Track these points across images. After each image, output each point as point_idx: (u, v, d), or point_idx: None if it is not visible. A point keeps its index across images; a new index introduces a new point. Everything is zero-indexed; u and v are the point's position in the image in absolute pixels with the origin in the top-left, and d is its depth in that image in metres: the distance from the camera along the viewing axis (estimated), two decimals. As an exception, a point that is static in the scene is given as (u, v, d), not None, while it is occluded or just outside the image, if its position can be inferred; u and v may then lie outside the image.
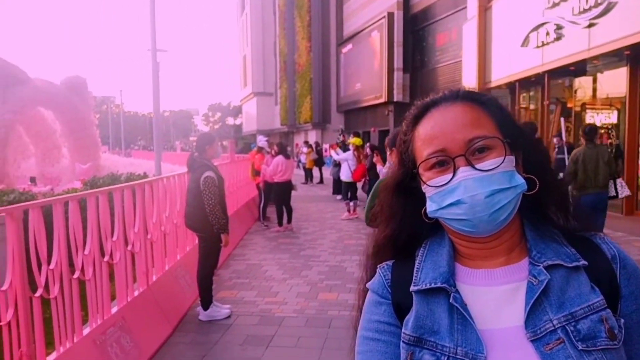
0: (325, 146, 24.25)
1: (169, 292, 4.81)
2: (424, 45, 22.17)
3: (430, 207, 0.84)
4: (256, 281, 5.91)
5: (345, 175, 10.98)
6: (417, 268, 0.86)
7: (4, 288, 2.64)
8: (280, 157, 9.23)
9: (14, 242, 2.74)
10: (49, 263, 3.03)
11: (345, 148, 13.08)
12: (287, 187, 9.29)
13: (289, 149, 14.18)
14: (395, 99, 22.40)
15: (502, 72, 13.41)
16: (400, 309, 0.85)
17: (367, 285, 0.91)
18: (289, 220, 9.28)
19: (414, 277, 0.85)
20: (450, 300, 0.81)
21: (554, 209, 0.88)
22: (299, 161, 23.32)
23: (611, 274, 0.83)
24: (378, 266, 0.92)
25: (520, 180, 0.81)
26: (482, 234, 0.82)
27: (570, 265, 0.82)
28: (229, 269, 6.44)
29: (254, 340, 4.20)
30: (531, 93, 13.96)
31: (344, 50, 30.80)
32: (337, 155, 11.83)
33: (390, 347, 0.84)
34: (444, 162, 0.82)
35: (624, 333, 0.80)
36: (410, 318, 0.83)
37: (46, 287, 3.00)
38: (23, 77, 12.44)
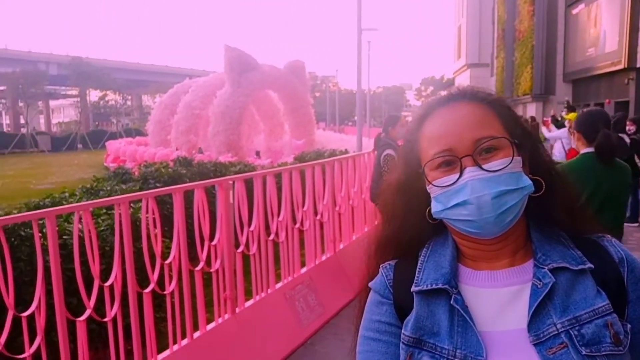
0: (547, 119, 21.95)
1: (354, 261, 5.23)
2: (683, -5, 18.08)
3: (436, 207, 0.83)
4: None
5: (558, 155, 9.93)
6: (419, 268, 0.85)
7: (213, 243, 3.34)
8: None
9: (222, 207, 3.41)
10: (249, 225, 3.68)
11: (558, 124, 11.73)
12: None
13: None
14: (638, 65, 18.84)
15: None
16: (402, 309, 0.84)
17: (370, 284, 0.91)
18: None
19: (415, 278, 0.85)
20: (451, 302, 0.80)
21: (560, 210, 0.84)
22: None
23: (618, 277, 0.79)
24: (381, 266, 0.91)
25: (527, 181, 0.79)
26: (488, 235, 0.80)
27: (575, 268, 0.79)
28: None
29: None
30: None
31: (574, 11, 27.07)
32: (548, 132, 10.73)
33: (390, 348, 0.83)
34: (450, 162, 0.80)
35: (630, 338, 0.75)
36: (410, 319, 0.82)
37: (246, 246, 3.65)
38: (254, 64, 14.48)
